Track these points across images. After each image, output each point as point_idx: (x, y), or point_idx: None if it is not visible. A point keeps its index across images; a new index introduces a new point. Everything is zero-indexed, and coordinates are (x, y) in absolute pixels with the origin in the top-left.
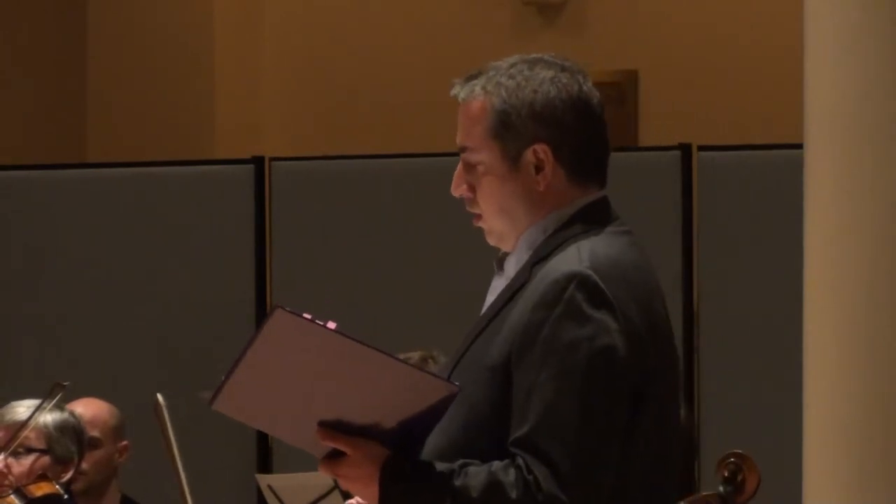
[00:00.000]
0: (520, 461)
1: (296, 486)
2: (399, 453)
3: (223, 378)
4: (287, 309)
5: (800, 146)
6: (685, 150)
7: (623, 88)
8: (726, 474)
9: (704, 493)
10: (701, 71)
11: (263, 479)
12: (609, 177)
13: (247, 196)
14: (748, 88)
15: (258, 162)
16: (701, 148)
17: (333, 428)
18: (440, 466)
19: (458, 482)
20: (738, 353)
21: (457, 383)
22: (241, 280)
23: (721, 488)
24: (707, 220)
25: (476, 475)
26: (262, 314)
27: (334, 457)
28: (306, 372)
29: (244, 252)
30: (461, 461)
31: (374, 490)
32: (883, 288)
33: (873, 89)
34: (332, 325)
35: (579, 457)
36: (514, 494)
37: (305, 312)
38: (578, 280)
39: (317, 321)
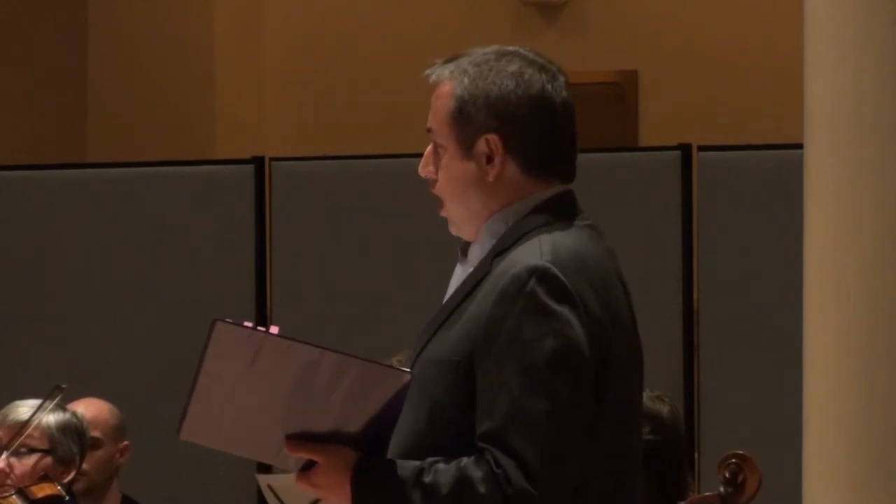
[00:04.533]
0: (488, 456)
1: (296, 486)
2: (368, 455)
3: (184, 405)
4: (226, 320)
5: (800, 146)
6: (685, 150)
7: (623, 88)
8: (727, 475)
9: (706, 494)
10: (701, 71)
11: (263, 479)
12: (609, 177)
13: (247, 196)
14: (748, 88)
15: (258, 162)
16: (701, 148)
17: (301, 438)
18: (409, 464)
19: (427, 479)
20: (738, 352)
21: (408, 370)
22: (241, 280)
23: (722, 489)
24: (707, 220)
25: (445, 471)
26: (262, 314)
27: (308, 468)
28: (261, 384)
29: (244, 252)
30: (430, 459)
31: (349, 495)
32: (883, 287)
33: (873, 89)
34: (274, 329)
35: (547, 451)
36: (483, 489)
37: (246, 321)
38: (539, 274)
39: (258, 328)
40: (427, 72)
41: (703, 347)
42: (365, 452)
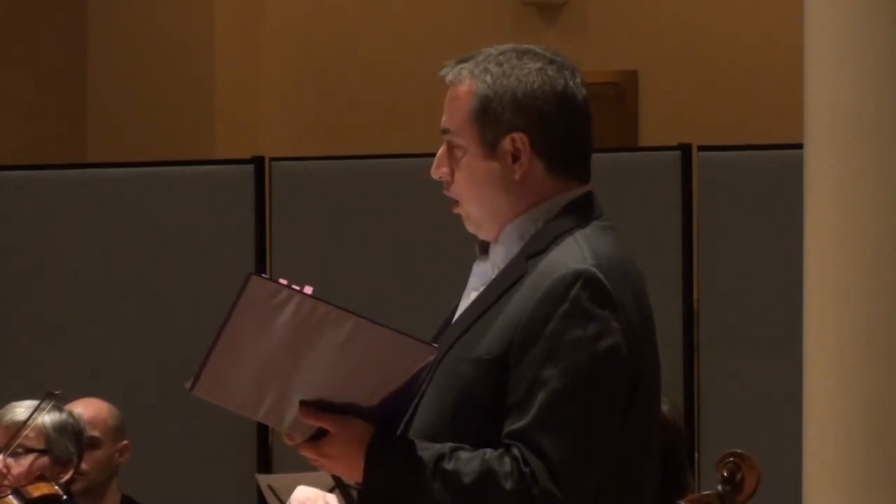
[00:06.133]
0: (516, 452)
1: (296, 486)
2: (385, 431)
3: (202, 361)
4: (262, 275)
5: (800, 146)
6: (685, 150)
7: (623, 88)
8: (725, 474)
9: (704, 493)
10: (701, 71)
11: (263, 479)
12: (609, 177)
13: (247, 196)
14: (748, 88)
15: (258, 162)
16: (701, 148)
17: (316, 406)
18: (428, 447)
19: (448, 465)
20: (738, 352)
21: (436, 345)
22: (241, 280)
23: (720, 487)
24: (707, 220)
25: (469, 461)
26: None
27: (318, 437)
28: (286, 345)
29: (244, 252)
30: (451, 444)
31: (359, 469)
32: (883, 287)
33: (873, 89)
34: (308, 289)
35: (576, 455)
36: (508, 485)
37: (281, 279)
38: (585, 278)
39: (293, 286)
40: (442, 72)
41: (703, 347)
42: (379, 428)
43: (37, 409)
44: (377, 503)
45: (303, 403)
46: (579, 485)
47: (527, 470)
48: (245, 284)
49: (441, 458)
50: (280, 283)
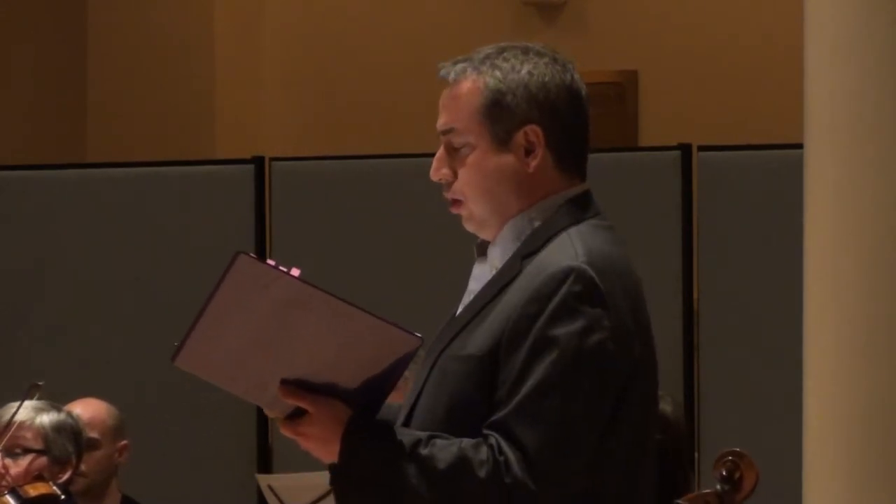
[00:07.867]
0: (492, 441)
1: (296, 486)
2: (363, 413)
3: (186, 332)
4: (250, 254)
5: (800, 146)
6: (685, 150)
7: (623, 88)
8: (724, 472)
9: (703, 492)
10: (701, 71)
11: (263, 479)
12: (609, 177)
13: (247, 196)
14: (748, 88)
15: (258, 162)
16: (701, 148)
17: (296, 385)
18: (406, 432)
19: (423, 451)
20: (737, 352)
21: (419, 335)
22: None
23: (718, 486)
24: (707, 220)
25: (444, 448)
26: None
27: (296, 416)
28: (270, 324)
29: None
30: (429, 433)
31: (335, 450)
32: (883, 288)
33: (873, 89)
34: (296, 272)
35: (553, 448)
36: (481, 473)
37: (269, 259)
38: (575, 275)
39: (280, 267)
40: (443, 72)
41: (703, 347)
42: (358, 411)
43: (23, 402)
44: (350, 484)
45: (283, 382)
46: (555, 477)
47: (501, 458)
48: (232, 262)
49: (418, 443)
50: (267, 264)
